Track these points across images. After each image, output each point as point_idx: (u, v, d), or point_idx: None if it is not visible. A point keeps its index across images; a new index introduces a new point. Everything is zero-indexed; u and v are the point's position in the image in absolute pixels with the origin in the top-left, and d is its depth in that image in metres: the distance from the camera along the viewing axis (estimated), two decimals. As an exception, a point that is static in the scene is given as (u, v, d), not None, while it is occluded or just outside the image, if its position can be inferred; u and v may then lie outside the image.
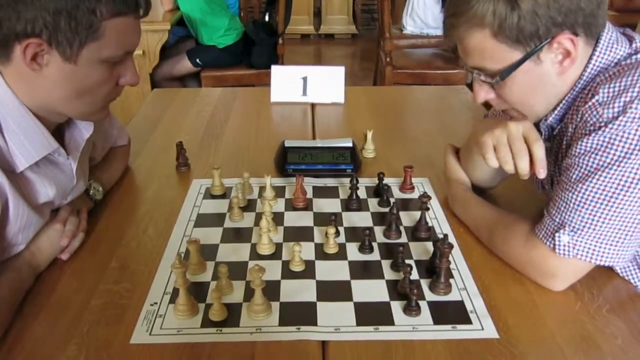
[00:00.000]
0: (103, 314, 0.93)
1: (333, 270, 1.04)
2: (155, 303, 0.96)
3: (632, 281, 1.03)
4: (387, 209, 1.21)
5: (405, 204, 1.27)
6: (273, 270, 1.03)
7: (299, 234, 1.15)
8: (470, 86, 2.25)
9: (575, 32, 0.91)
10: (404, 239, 1.14)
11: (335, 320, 0.91)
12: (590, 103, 0.92)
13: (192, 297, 0.94)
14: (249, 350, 0.86)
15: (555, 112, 1.01)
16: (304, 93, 1.93)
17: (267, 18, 3.61)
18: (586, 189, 0.90)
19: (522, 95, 0.99)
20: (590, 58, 0.96)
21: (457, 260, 1.06)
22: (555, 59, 0.94)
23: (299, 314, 0.93)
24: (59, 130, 1.08)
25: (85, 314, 0.93)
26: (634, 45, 0.96)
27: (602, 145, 0.89)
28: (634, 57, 0.95)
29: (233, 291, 0.98)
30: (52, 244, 1.04)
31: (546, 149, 1.09)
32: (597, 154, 0.89)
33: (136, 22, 0.99)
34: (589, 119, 0.91)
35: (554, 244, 0.94)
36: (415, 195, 1.31)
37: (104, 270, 1.04)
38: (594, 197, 0.90)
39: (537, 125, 1.05)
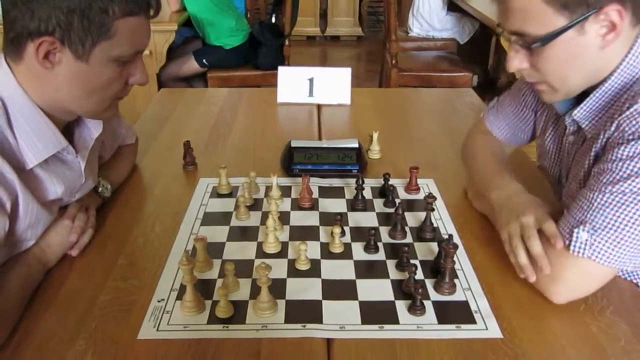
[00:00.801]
0: (111, 310, 0.94)
1: (338, 269, 1.05)
2: (162, 299, 0.97)
3: None
4: (392, 210, 1.22)
5: (411, 205, 1.28)
6: (279, 269, 1.04)
7: (305, 233, 1.16)
8: (475, 89, 2.25)
9: (623, 5, 0.88)
10: (409, 239, 1.15)
11: (341, 319, 0.92)
12: (628, 112, 0.90)
13: (198, 294, 0.95)
14: (255, 347, 0.87)
15: (584, 106, 0.99)
16: (310, 94, 1.94)
17: (273, 19, 3.63)
18: (615, 192, 0.89)
19: (559, 65, 0.95)
20: (631, 48, 0.93)
21: (461, 260, 1.07)
22: (600, 31, 0.90)
23: (305, 312, 0.94)
24: (68, 129, 1.09)
25: (94, 309, 0.94)
26: None
27: (638, 153, 0.88)
28: None
29: (239, 289, 0.99)
30: (61, 240, 1.05)
31: (569, 144, 1.08)
32: (632, 160, 0.88)
33: (147, 22, 1.00)
34: (627, 128, 0.90)
35: (570, 240, 0.92)
36: (420, 196, 1.32)
37: (112, 267, 1.05)
38: (621, 199, 0.88)
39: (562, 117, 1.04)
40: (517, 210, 1.02)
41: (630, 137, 0.89)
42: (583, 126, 1.02)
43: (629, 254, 0.90)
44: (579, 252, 0.91)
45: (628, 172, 0.88)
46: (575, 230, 0.91)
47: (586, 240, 0.91)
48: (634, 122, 0.89)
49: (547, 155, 1.18)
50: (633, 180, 0.88)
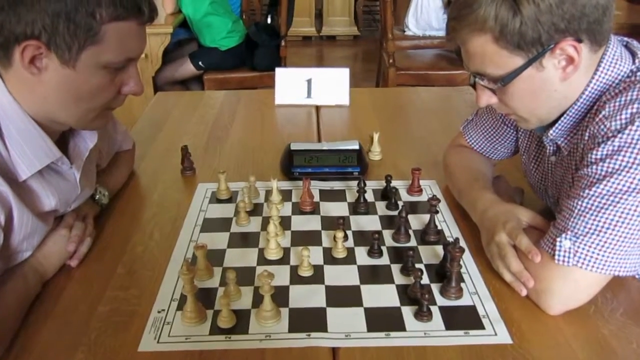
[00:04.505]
0: (110, 321, 0.92)
1: (342, 275, 1.03)
2: (163, 310, 0.94)
3: None
4: (395, 212, 1.20)
5: (414, 207, 1.26)
6: (281, 276, 1.02)
7: (307, 238, 1.14)
8: (474, 87, 2.24)
9: (578, 39, 0.89)
10: (413, 242, 1.13)
11: (346, 326, 0.90)
12: (597, 119, 0.91)
13: (200, 304, 0.92)
14: (259, 358, 0.85)
15: (558, 125, 1.00)
16: (309, 95, 1.92)
17: (269, 20, 3.61)
18: (592, 195, 0.88)
19: (524, 100, 0.97)
20: (595, 72, 0.94)
21: (467, 264, 1.05)
22: (558, 65, 0.91)
23: (309, 320, 0.92)
24: (63, 139, 1.07)
25: (93, 320, 0.92)
26: (637, 61, 0.95)
27: (611, 153, 0.88)
28: (638, 74, 0.93)
29: (241, 297, 0.97)
30: (59, 250, 1.03)
31: (551, 164, 1.10)
32: (605, 162, 0.88)
33: (139, 28, 0.96)
34: (597, 133, 0.90)
35: (554, 250, 0.90)
36: (423, 197, 1.30)
37: (110, 276, 1.03)
38: (599, 202, 0.88)
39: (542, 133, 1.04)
40: (491, 229, 1.03)
41: (601, 139, 0.90)
42: (560, 143, 1.03)
43: (616, 258, 0.88)
44: (563, 261, 0.90)
45: (603, 173, 0.88)
46: (558, 239, 0.90)
47: (569, 248, 0.89)
48: (602, 126, 0.90)
49: (532, 174, 1.19)
50: (608, 181, 0.88)
